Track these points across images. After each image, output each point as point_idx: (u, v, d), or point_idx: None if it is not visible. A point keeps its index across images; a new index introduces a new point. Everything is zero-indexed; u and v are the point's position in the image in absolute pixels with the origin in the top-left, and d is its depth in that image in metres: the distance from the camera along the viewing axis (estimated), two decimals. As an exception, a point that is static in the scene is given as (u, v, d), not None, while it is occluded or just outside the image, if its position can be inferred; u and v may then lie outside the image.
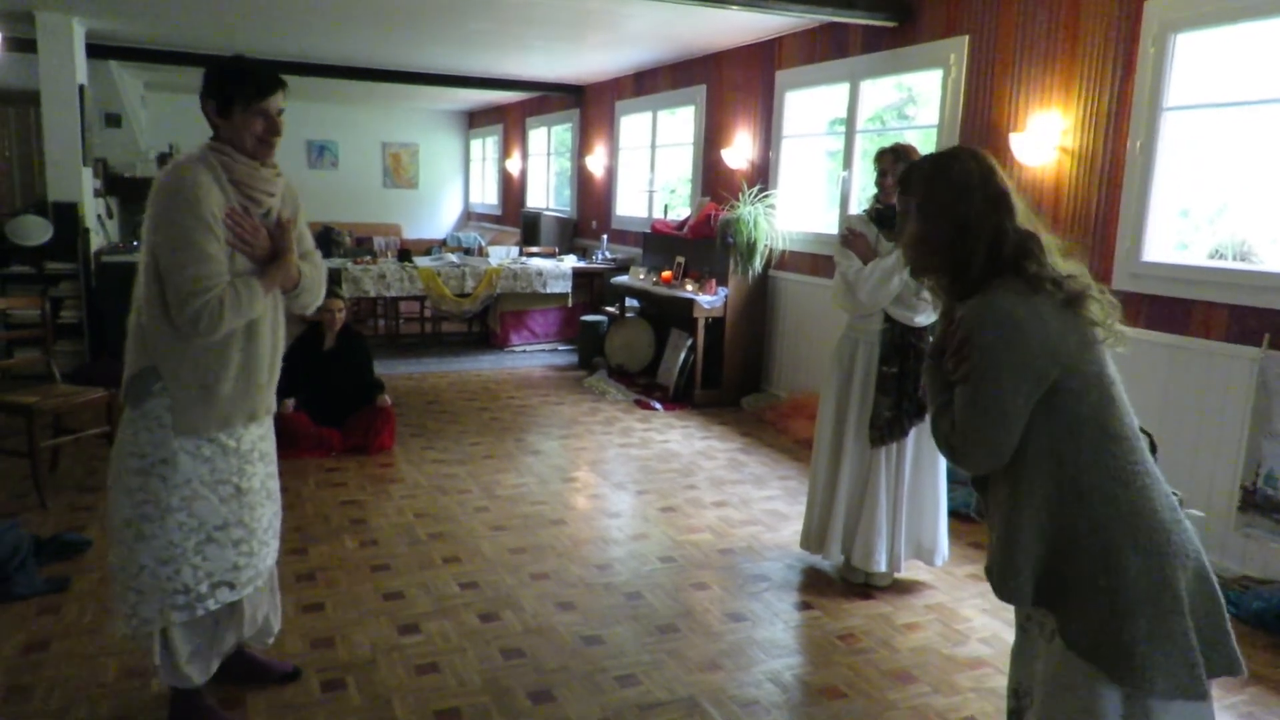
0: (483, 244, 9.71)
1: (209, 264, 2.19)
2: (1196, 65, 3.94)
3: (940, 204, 1.71)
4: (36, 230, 6.54)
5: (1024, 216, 1.71)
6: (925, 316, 3.47)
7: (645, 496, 4.65)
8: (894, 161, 3.44)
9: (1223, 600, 1.63)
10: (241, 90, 2.27)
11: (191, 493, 2.30)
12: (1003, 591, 1.68)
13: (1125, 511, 1.59)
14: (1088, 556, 1.60)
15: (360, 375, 5.40)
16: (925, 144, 5.22)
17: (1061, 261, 1.69)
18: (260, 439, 2.49)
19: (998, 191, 1.70)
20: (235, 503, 2.38)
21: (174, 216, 2.19)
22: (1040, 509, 1.63)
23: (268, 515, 2.52)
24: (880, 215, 3.53)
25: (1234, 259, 4.04)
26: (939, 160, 1.76)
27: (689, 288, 6.74)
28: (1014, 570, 1.65)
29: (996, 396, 1.61)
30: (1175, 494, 1.72)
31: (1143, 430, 1.74)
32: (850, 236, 3.54)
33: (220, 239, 2.23)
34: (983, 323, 1.63)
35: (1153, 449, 1.73)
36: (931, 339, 1.77)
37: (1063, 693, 1.63)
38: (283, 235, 2.38)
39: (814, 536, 3.69)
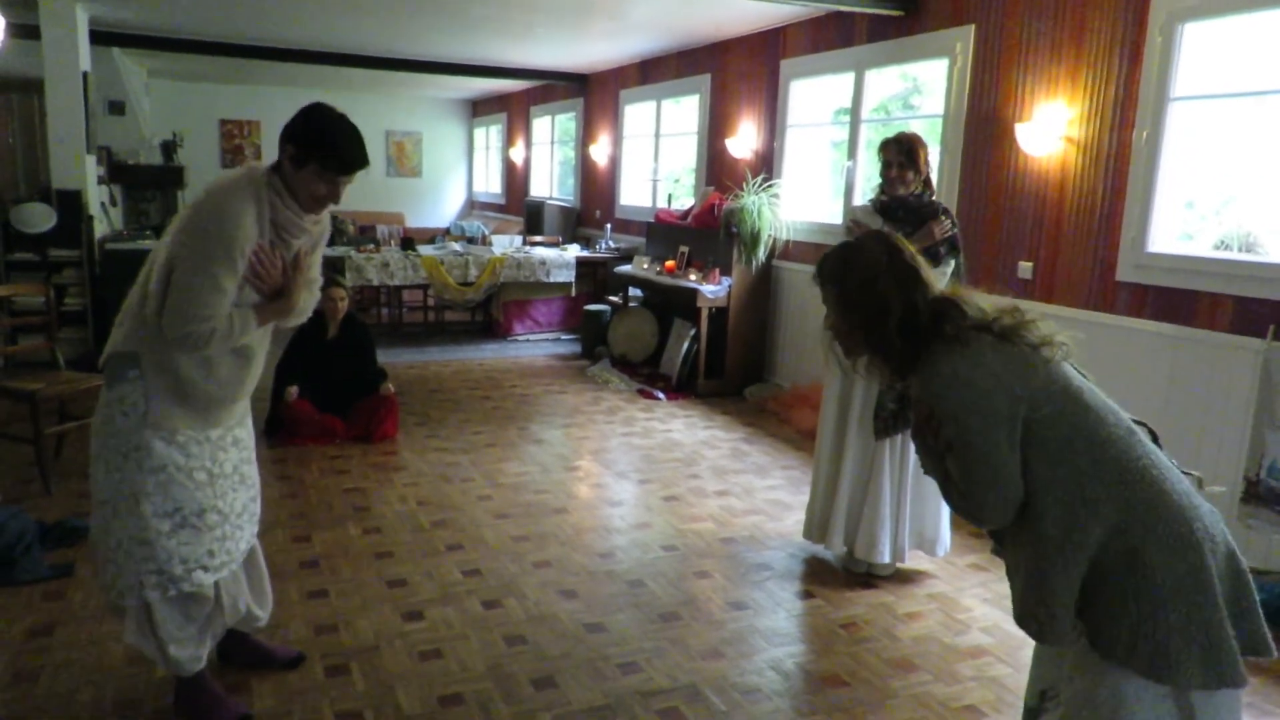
0: (486, 233, 9.71)
1: (218, 296, 2.22)
2: (1204, 55, 3.92)
3: (853, 292, 1.79)
4: (40, 217, 6.54)
5: (936, 286, 1.79)
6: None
7: (648, 485, 4.66)
8: (898, 152, 3.44)
9: (1251, 580, 1.62)
10: (326, 158, 2.27)
11: (167, 478, 2.31)
12: (1046, 638, 1.65)
13: (1140, 510, 1.58)
14: (1112, 563, 1.59)
15: (363, 364, 5.41)
16: (930, 133, 5.20)
17: (988, 307, 1.75)
18: (234, 426, 2.51)
19: (904, 270, 1.77)
20: (210, 488, 2.40)
21: (205, 242, 2.20)
22: (1062, 543, 1.61)
23: (242, 500, 2.53)
24: (886, 207, 3.52)
25: (1239, 250, 4.03)
26: (846, 251, 1.84)
27: (692, 277, 6.73)
28: (1051, 616, 1.62)
29: (980, 454, 1.63)
30: (1191, 474, 1.71)
31: (1139, 422, 1.73)
32: (855, 229, 3.53)
33: (239, 274, 2.26)
34: (933, 393, 1.69)
35: (1154, 439, 1.73)
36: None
37: (1092, 693, 1.62)
38: (295, 274, 2.40)
39: (817, 527, 3.70)
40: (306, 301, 2.50)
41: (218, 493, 2.42)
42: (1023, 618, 1.68)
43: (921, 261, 1.81)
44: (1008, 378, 1.64)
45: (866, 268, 1.77)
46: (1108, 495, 1.59)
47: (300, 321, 2.56)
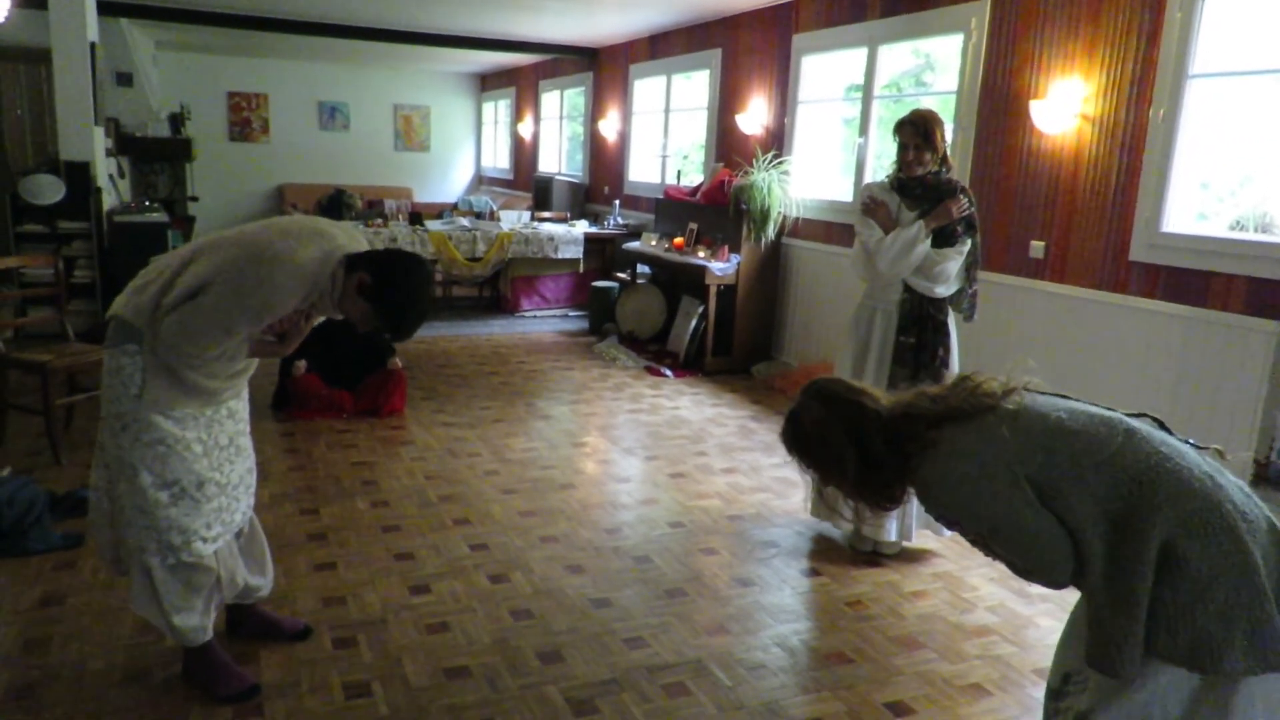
0: (494, 208, 9.67)
1: (226, 339, 2.27)
2: (1223, 31, 3.86)
3: (815, 455, 1.83)
4: (49, 189, 6.53)
5: (889, 403, 1.80)
6: (945, 287, 3.43)
7: (655, 462, 4.66)
8: (914, 133, 3.37)
9: None
10: (384, 316, 2.28)
11: (166, 450, 2.33)
12: (1119, 675, 1.61)
13: (1164, 508, 1.55)
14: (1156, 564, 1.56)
15: (371, 338, 5.40)
16: (944, 110, 5.14)
17: (935, 393, 1.77)
18: (230, 398, 2.52)
19: (845, 412, 1.79)
20: (206, 460, 2.42)
21: (246, 299, 2.20)
22: (1114, 576, 1.58)
23: (239, 471, 2.55)
24: (903, 184, 3.47)
25: (1255, 231, 3.99)
26: (793, 419, 1.87)
27: (701, 254, 6.70)
28: (1119, 651, 1.58)
29: (1013, 531, 1.63)
30: (1208, 447, 1.69)
31: (1139, 414, 1.71)
32: (872, 205, 3.49)
33: (257, 329, 2.31)
34: (936, 503, 1.73)
35: (1161, 427, 1.70)
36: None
37: (1125, 682, 1.60)
38: (304, 326, 2.45)
39: (828, 505, 3.69)
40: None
41: (213, 464, 2.44)
42: (1093, 659, 1.64)
43: (861, 389, 1.84)
44: (989, 452, 1.64)
45: (814, 428, 1.82)
46: (1133, 512, 1.56)
47: None
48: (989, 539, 1.69)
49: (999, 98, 4.85)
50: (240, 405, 2.57)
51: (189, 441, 2.36)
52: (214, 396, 2.42)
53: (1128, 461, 1.59)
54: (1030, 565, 1.67)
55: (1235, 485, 1.61)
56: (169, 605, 2.40)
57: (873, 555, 3.62)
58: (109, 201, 7.11)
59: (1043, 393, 1.77)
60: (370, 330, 2.35)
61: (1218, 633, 1.51)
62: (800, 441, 1.85)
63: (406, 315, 2.31)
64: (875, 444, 1.75)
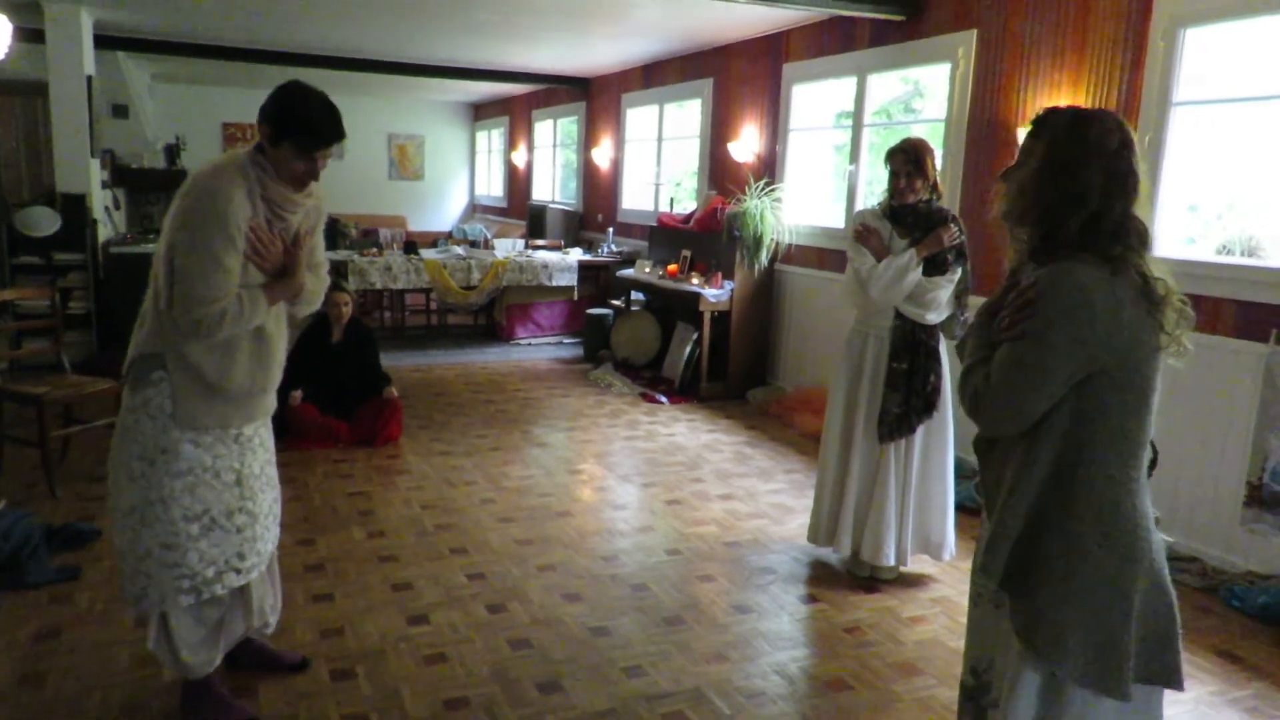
0: (488, 236, 9.72)
1: (222, 276, 2.22)
2: (1206, 60, 3.93)
3: (1063, 161, 1.62)
4: (45, 221, 6.56)
5: (1143, 205, 1.64)
6: (936, 314, 3.47)
7: (651, 489, 4.67)
8: (906, 161, 3.42)
9: (1179, 618, 1.67)
10: (301, 136, 2.30)
11: (195, 479, 2.33)
12: (983, 570, 1.72)
13: (1106, 509, 1.61)
14: (1056, 540, 1.63)
15: (367, 367, 5.42)
16: (933, 138, 5.20)
17: (1159, 273, 1.65)
18: (260, 427, 2.53)
19: (1125, 169, 1.61)
20: (237, 489, 2.41)
21: (200, 222, 2.21)
22: (1031, 488, 1.64)
23: (268, 501, 2.56)
24: (895, 212, 3.51)
25: (1242, 255, 4.04)
26: (1080, 117, 1.65)
27: (695, 281, 6.74)
28: (995, 550, 1.68)
29: (1042, 363, 1.58)
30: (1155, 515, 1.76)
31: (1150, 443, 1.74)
32: (864, 232, 3.53)
33: (239, 251, 2.26)
34: (1057, 290, 1.57)
35: (1152, 464, 1.73)
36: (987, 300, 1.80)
37: (1005, 663, 1.72)
38: (296, 251, 2.41)
39: (823, 530, 3.70)
40: (315, 285, 2.51)
41: (246, 494, 2.43)
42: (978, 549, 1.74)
43: (1143, 169, 1.65)
44: (1122, 330, 1.57)
45: (1095, 142, 1.61)
46: (1091, 484, 1.61)
47: (312, 309, 2.58)
48: (1018, 340, 1.60)
49: (987, 125, 4.92)
50: (268, 435, 2.58)
51: (219, 470, 2.36)
52: (246, 404, 2.40)
53: (1127, 458, 1.63)
54: (1002, 389, 1.62)
55: (1160, 539, 1.68)
56: (179, 641, 2.39)
57: (870, 580, 3.62)
58: (105, 233, 7.14)
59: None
60: (313, 169, 2.34)
61: (1074, 635, 1.60)
62: (1070, 137, 1.63)
63: (312, 114, 2.31)
64: (1115, 216, 1.60)
